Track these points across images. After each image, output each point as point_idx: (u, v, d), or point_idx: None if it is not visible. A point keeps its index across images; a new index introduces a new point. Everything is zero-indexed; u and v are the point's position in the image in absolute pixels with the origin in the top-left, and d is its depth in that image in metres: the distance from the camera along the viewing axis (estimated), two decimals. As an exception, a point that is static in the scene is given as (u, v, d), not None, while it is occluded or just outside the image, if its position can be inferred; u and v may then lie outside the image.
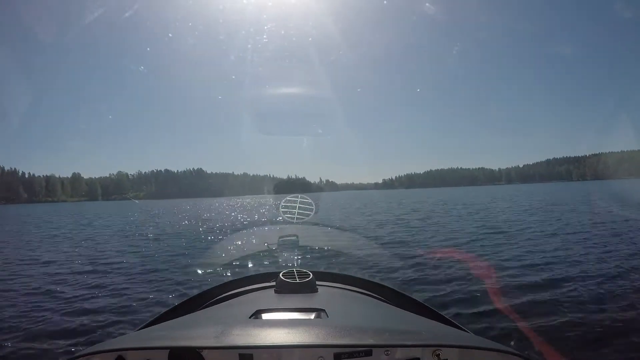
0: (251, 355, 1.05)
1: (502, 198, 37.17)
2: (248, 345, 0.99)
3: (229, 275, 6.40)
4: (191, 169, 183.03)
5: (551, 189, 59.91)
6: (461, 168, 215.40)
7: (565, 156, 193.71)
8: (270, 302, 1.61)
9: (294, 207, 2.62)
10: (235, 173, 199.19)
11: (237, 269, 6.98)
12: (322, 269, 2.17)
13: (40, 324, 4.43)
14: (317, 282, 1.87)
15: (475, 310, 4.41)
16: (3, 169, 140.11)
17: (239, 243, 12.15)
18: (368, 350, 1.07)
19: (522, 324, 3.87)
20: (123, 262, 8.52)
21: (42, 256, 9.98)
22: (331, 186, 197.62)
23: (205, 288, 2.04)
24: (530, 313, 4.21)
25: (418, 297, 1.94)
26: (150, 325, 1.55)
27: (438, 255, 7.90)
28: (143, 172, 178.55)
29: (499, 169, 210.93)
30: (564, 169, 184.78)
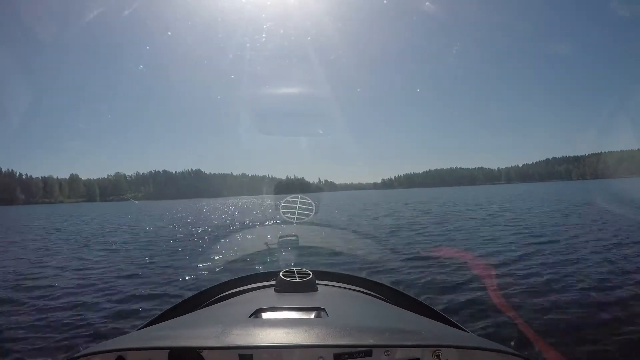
0: (251, 356, 1.05)
1: (515, 197, 35.17)
2: (248, 346, 0.99)
3: (228, 275, 6.39)
4: (189, 170, 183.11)
5: (552, 188, 59.66)
6: (460, 168, 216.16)
7: (564, 155, 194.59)
8: (270, 301, 1.60)
9: (294, 208, 2.62)
10: (234, 173, 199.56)
11: (237, 269, 6.99)
12: (322, 268, 2.17)
13: (40, 324, 4.43)
14: (317, 281, 1.87)
15: (475, 310, 4.42)
16: (0, 170, 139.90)
17: (239, 243, 12.15)
18: (368, 350, 1.07)
19: (522, 324, 3.88)
20: (123, 262, 8.51)
21: (42, 257, 9.97)
22: (330, 186, 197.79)
23: (204, 287, 2.03)
24: (530, 313, 4.21)
25: (418, 296, 1.94)
26: (150, 325, 1.55)
27: (438, 255, 7.90)
28: (141, 173, 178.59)
29: (499, 169, 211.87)
30: (563, 169, 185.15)
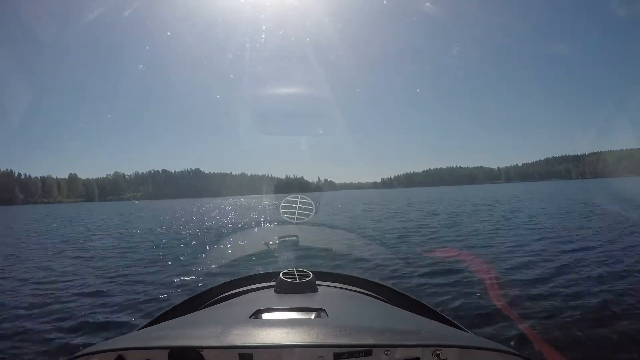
0: (251, 355, 1.05)
1: (520, 197, 33.66)
2: (248, 345, 0.99)
3: (229, 275, 6.38)
4: (189, 169, 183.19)
5: (553, 188, 59.43)
6: (460, 167, 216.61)
7: (564, 154, 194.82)
8: (270, 302, 1.60)
9: (294, 208, 2.62)
10: (234, 173, 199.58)
11: (237, 269, 6.98)
12: (322, 269, 2.16)
13: (40, 324, 4.43)
14: (317, 282, 1.86)
15: (475, 310, 4.42)
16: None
17: (239, 243, 12.15)
18: (368, 350, 1.07)
19: (522, 324, 3.88)
20: (122, 263, 8.51)
21: (41, 257, 9.96)
22: (330, 185, 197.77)
23: (205, 288, 2.03)
24: (530, 313, 4.22)
25: (418, 297, 1.94)
26: (150, 325, 1.55)
27: (438, 255, 7.89)
28: (140, 173, 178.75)
29: (498, 168, 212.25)
30: (563, 168, 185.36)
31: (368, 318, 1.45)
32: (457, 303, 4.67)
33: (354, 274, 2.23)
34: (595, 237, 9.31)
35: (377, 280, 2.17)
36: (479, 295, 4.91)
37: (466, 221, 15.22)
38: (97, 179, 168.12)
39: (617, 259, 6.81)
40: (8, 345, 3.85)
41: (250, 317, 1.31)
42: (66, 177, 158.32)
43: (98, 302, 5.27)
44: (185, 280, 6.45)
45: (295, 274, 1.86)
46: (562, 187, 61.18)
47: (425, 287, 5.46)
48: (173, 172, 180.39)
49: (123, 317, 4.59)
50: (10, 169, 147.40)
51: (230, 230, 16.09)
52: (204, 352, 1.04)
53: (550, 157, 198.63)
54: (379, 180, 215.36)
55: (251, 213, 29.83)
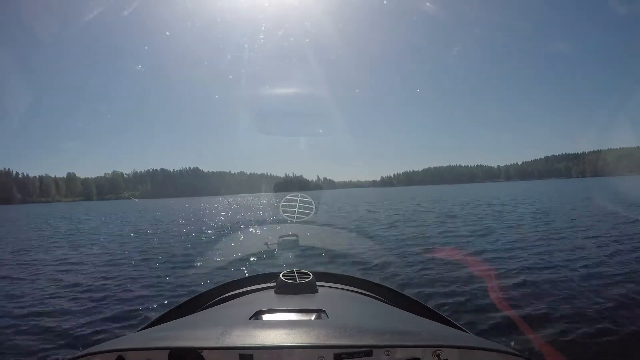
0: (251, 356, 1.05)
1: (530, 195, 31.95)
2: (248, 346, 0.99)
3: (229, 276, 6.38)
4: (187, 168, 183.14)
5: (553, 186, 59.29)
6: (460, 165, 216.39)
7: (564, 153, 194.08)
8: (270, 303, 1.60)
9: (294, 206, 2.62)
10: (232, 172, 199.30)
11: (237, 270, 6.99)
12: (322, 270, 2.16)
13: (40, 324, 4.43)
14: (317, 283, 1.86)
15: (475, 310, 4.42)
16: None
17: (239, 243, 12.16)
18: (368, 350, 1.07)
19: (522, 325, 3.89)
20: (122, 263, 8.50)
21: (40, 258, 9.95)
22: (329, 184, 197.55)
23: (205, 289, 2.04)
24: (531, 313, 4.22)
25: (418, 297, 1.94)
26: (151, 326, 1.55)
27: (438, 255, 7.89)
28: (139, 172, 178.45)
29: (498, 166, 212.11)
30: (563, 166, 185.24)
31: (368, 319, 1.45)
32: (457, 303, 4.68)
33: (354, 274, 2.23)
34: (599, 238, 9.29)
35: (377, 281, 2.18)
36: (479, 296, 4.91)
37: (498, 227, 12.18)
38: (96, 178, 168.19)
39: (619, 259, 6.81)
40: (8, 345, 3.85)
41: (250, 318, 1.31)
42: (64, 176, 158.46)
43: (98, 303, 5.27)
44: (185, 281, 6.45)
45: (295, 274, 1.85)
46: (560, 186, 61.04)
47: (426, 287, 5.46)
48: (172, 171, 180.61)
49: (123, 318, 4.59)
50: (8, 169, 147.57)
51: (229, 230, 16.07)
52: (204, 353, 1.04)
53: (550, 155, 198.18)
54: (378, 178, 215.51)
55: (250, 212, 29.52)
